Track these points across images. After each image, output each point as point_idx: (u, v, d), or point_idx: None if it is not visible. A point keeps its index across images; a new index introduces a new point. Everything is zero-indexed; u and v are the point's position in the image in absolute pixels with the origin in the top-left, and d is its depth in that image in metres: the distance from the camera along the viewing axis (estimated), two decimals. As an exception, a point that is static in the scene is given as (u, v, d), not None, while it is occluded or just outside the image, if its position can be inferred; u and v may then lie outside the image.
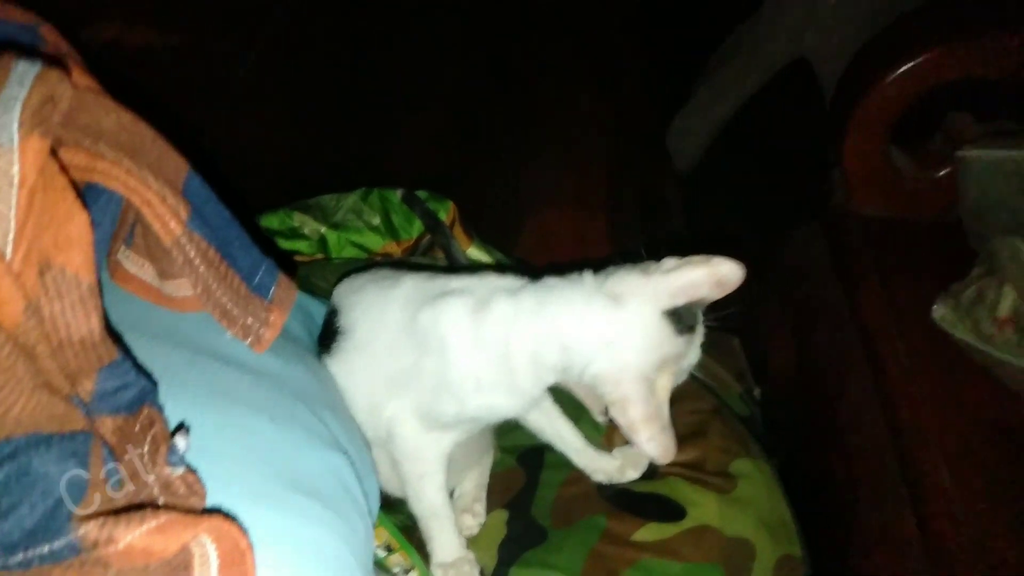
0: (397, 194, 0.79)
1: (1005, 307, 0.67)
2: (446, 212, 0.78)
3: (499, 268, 0.76)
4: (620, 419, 0.46)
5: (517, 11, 1.36)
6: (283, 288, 0.37)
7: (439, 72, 1.24)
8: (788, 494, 0.72)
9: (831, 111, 0.89)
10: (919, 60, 0.78)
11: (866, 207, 0.91)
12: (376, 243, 0.77)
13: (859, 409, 0.82)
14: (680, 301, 0.46)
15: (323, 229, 0.76)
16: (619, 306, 0.46)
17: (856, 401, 0.83)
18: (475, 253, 0.78)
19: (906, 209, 0.90)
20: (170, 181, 0.32)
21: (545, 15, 1.34)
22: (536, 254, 0.94)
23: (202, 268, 0.32)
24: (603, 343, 0.46)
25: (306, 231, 0.76)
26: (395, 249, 0.77)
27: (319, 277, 0.72)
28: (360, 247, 0.77)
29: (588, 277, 0.49)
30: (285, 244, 0.77)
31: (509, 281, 0.51)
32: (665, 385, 0.47)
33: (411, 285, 0.52)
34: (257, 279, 0.36)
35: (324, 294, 0.66)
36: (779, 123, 1.59)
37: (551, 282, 0.49)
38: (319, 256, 0.76)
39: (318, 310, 0.59)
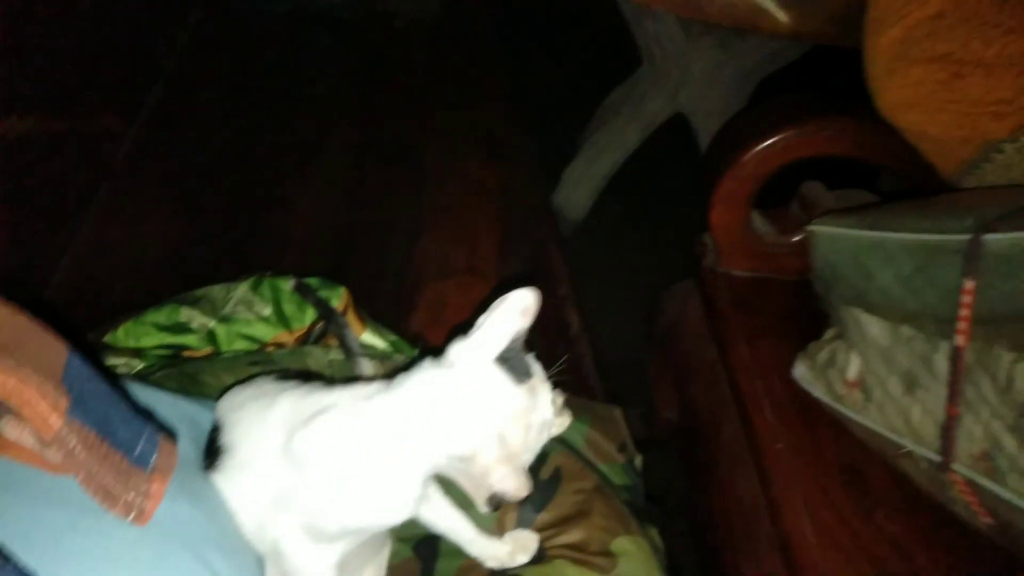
0: (289, 283, 0.79)
1: (853, 371, 0.74)
2: (339, 299, 0.79)
3: (385, 356, 0.78)
4: (474, 470, 0.49)
5: (404, 82, 1.40)
6: (164, 455, 0.38)
7: (328, 144, 1.25)
8: (676, 547, 0.77)
9: (701, 182, 0.96)
10: (772, 141, 0.87)
11: (734, 268, 0.99)
12: (267, 334, 0.77)
13: (734, 460, 0.88)
14: (501, 343, 0.50)
15: (212, 323, 0.76)
16: (454, 370, 0.51)
17: (731, 453, 0.89)
18: (369, 338, 0.79)
19: (770, 269, 0.98)
20: (50, 370, 0.33)
21: (431, 85, 1.38)
22: (431, 327, 0.96)
23: (83, 456, 0.33)
24: (452, 411, 0.49)
25: (194, 326, 0.76)
26: (287, 339, 0.78)
27: (209, 374, 0.71)
28: (251, 339, 0.77)
29: (426, 360, 0.53)
30: (173, 339, 0.76)
31: (375, 388, 0.53)
32: (517, 438, 0.50)
33: (287, 406, 0.53)
34: (138, 451, 0.37)
35: (214, 391, 0.66)
36: (659, 179, 1.70)
37: (399, 379, 0.53)
38: (208, 350, 0.76)
39: (205, 417, 0.59)
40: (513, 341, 0.51)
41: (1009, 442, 0.56)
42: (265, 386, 0.58)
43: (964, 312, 0.57)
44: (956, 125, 0.72)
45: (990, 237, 0.56)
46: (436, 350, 0.54)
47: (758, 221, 0.98)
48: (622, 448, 0.75)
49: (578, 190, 1.69)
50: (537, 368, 0.53)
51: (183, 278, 0.85)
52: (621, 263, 1.61)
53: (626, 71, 1.63)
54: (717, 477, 0.93)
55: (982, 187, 0.71)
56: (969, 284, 0.57)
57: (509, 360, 0.51)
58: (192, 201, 1.11)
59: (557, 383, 0.55)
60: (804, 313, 0.88)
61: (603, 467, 0.72)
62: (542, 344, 0.56)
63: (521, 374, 0.51)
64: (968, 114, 0.70)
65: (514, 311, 0.51)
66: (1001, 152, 0.69)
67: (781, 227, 0.97)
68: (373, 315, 0.83)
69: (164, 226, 1.05)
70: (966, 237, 0.58)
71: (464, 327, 0.52)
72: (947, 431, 0.61)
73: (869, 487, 0.74)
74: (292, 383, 0.57)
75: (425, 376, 0.52)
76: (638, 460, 0.76)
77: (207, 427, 0.58)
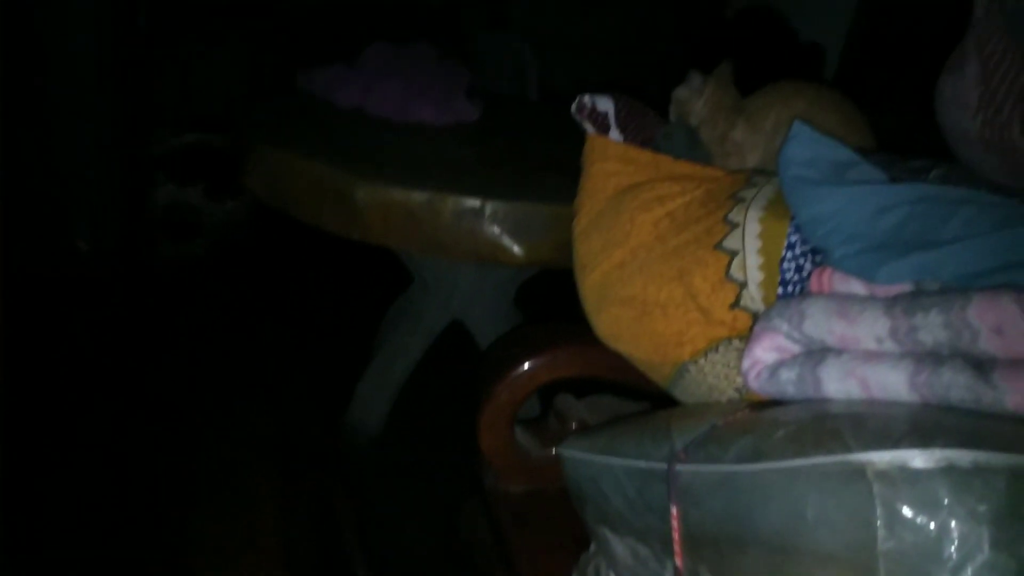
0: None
1: (613, 585, 0.80)
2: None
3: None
4: None
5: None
6: None
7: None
8: None
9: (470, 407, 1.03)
10: (518, 372, 0.97)
11: (510, 485, 1.05)
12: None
13: None
14: None
15: None
16: None
17: None
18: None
19: (543, 482, 1.06)
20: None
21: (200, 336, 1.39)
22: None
23: None
24: None
25: None
26: None
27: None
28: None
29: None
30: None
31: None
32: None
33: None
34: None
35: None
36: (453, 381, 1.78)
37: None
38: None
39: None
40: None
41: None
42: None
43: (675, 535, 0.66)
44: (652, 352, 0.85)
45: (679, 467, 0.66)
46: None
47: (522, 437, 1.06)
48: None
49: (371, 404, 1.72)
50: None
51: None
52: (421, 475, 1.63)
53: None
54: None
55: (686, 406, 0.84)
56: (674, 509, 0.66)
57: None
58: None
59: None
60: (580, 523, 0.95)
61: None
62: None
63: None
64: (658, 343, 0.83)
65: None
66: (689, 371, 0.83)
67: (543, 441, 1.05)
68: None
69: None
70: (664, 465, 0.68)
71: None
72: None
73: None
74: None
75: None
76: None
77: None
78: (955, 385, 0.51)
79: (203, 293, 1.51)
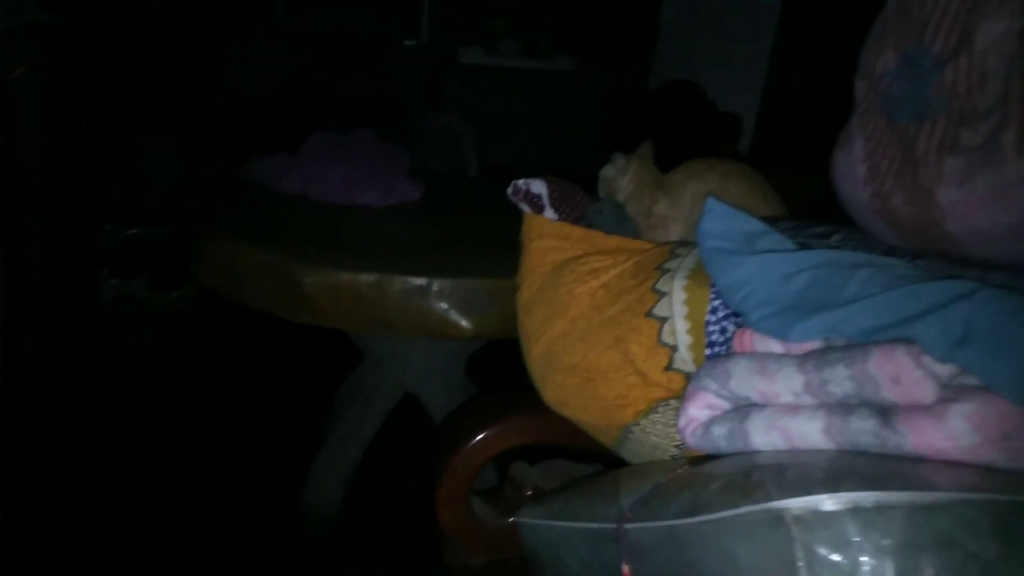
0: None
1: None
2: None
3: None
4: None
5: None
6: None
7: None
8: None
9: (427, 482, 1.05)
10: (472, 444, 1.00)
11: (472, 557, 1.06)
12: None
13: None
14: None
15: None
16: None
17: None
18: None
19: (504, 552, 1.07)
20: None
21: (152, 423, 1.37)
22: None
23: None
24: None
25: None
26: None
27: None
28: None
29: None
30: None
31: None
32: None
33: None
34: None
35: None
36: (408, 457, 1.79)
37: None
38: None
39: None
40: None
41: None
42: None
43: (629, 594, 0.69)
44: (598, 416, 0.89)
45: (627, 526, 0.70)
46: None
47: (480, 509, 1.08)
48: None
49: (327, 485, 1.70)
50: None
51: None
52: (380, 554, 1.61)
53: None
54: None
55: (633, 466, 0.88)
56: (625, 568, 0.69)
57: None
58: None
59: None
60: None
61: None
62: None
63: None
64: (603, 408, 0.88)
65: None
66: (633, 432, 0.87)
67: (500, 510, 1.07)
68: None
69: None
70: (614, 526, 0.71)
71: None
72: None
73: None
74: None
75: None
76: None
77: None
78: (863, 431, 0.56)
79: (152, 384, 1.50)
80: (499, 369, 1.25)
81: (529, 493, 1.06)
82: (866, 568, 0.43)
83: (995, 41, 0.65)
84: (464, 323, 1.23)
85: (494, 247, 1.24)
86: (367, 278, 1.22)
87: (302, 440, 1.73)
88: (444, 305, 1.23)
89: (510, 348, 1.04)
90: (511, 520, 1.07)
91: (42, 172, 1.42)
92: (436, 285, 1.22)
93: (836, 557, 0.44)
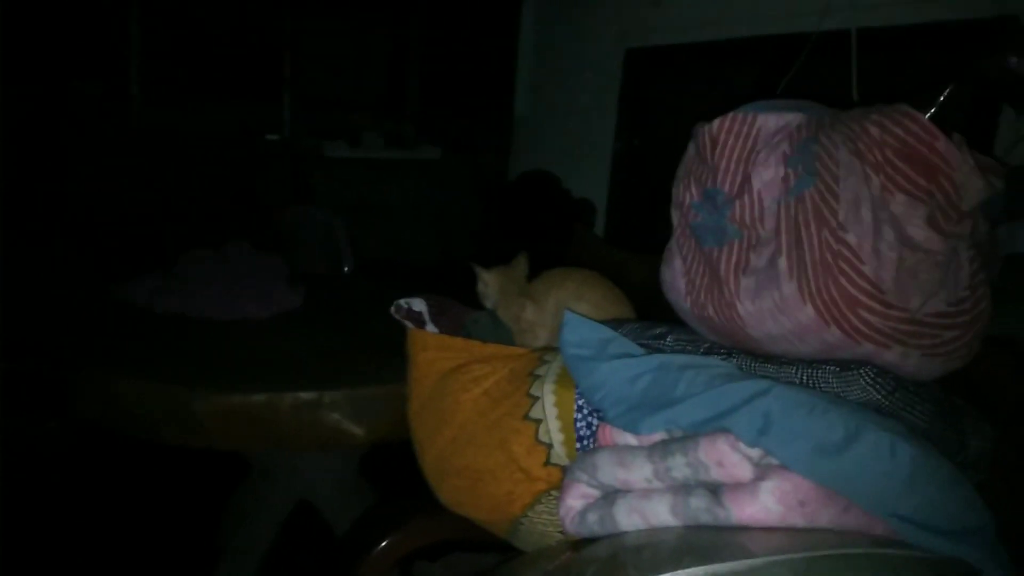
0: None
1: None
2: None
3: None
4: None
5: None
6: None
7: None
8: None
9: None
10: (379, 549, 1.06)
11: (384, 660, 1.11)
12: None
13: None
14: None
15: None
16: None
17: None
18: None
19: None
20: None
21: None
22: None
23: None
24: None
25: None
26: None
27: None
28: None
29: None
30: None
31: None
32: None
33: None
34: None
35: None
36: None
37: None
38: None
39: None
40: None
41: None
42: None
43: None
44: (491, 512, 0.99)
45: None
46: None
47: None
48: None
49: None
50: None
51: None
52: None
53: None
54: None
55: (525, 554, 0.98)
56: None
57: None
58: None
59: None
60: None
61: None
62: None
63: None
64: (493, 504, 0.98)
65: None
66: (523, 524, 0.97)
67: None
68: None
69: None
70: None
71: None
72: None
73: None
74: None
75: None
76: None
77: None
78: (700, 509, 0.70)
79: (32, 521, 1.43)
80: (391, 468, 1.32)
81: (433, 590, 1.14)
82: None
83: (767, 184, 0.84)
84: (357, 430, 1.30)
85: (381, 352, 1.32)
86: (258, 398, 1.27)
87: (194, 562, 1.69)
88: (336, 416, 1.29)
89: (401, 445, 1.11)
90: (419, 618, 1.14)
91: None
92: (327, 397, 1.29)
93: (683, 623, 0.56)
